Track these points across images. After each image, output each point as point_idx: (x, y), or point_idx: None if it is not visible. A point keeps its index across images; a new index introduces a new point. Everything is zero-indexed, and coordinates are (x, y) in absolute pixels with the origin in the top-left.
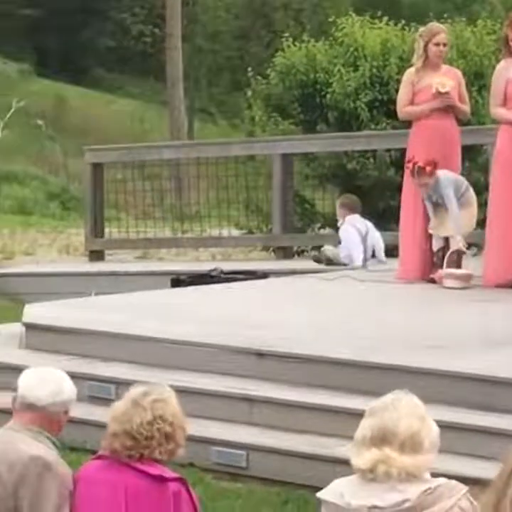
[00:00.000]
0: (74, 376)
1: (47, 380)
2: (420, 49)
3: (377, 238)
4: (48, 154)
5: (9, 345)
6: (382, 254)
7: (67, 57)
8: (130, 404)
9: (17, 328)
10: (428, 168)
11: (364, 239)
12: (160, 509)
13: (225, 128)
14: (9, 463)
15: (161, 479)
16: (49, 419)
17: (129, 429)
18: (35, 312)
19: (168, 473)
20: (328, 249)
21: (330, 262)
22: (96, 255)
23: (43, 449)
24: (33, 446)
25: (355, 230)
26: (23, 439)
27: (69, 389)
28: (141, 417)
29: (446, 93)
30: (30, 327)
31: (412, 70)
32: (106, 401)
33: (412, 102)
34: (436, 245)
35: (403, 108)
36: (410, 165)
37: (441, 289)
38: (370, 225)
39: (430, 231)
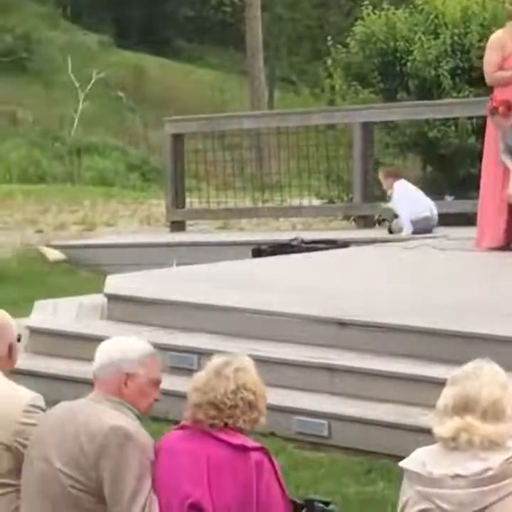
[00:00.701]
0: (155, 347)
1: (105, 347)
2: None
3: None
4: (128, 125)
5: (91, 317)
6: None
7: (147, 28)
8: (212, 374)
9: (99, 299)
10: (501, 108)
11: (419, 198)
12: (242, 479)
13: (305, 97)
14: (90, 434)
15: (243, 449)
16: (108, 386)
17: (213, 398)
18: (117, 283)
19: (250, 442)
20: (393, 224)
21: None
22: (177, 226)
23: (123, 420)
24: (113, 416)
25: (406, 192)
26: (104, 410)
27: (120, 352)
28: (224, 386)
29: None
30: (111, 298)
31: (499, 34)
32: (188, 371)
33: (501, 67)
34: None
35: (492, 73)
36: (489, 103)
37: None
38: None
39: (510, 199)
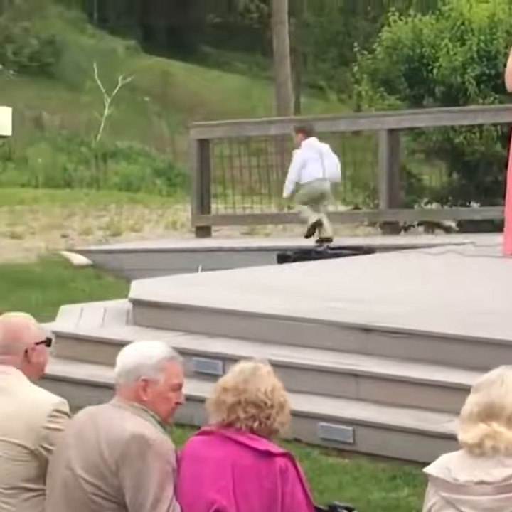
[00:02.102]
0: (180, 352)
1: (124, 353)
2: None
3: (332, 161)
4: (154, 130)
5: (116, 322)
6: (336, 175)
7: (174, 33)
8: (249, 374)
9: (124, 304)
10: None
11: (321, 158)
12: (267, 485)
13: (332, 103)
14: (111, 441)
15: (268, 454)
16: (128, 392)
17: (254, 397)
18: (142, 288)
19: (275, 448)
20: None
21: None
22: (202, 231)
23: (144, 427)
24: (134, 423)
25: (309, 149)
26: (125, 417)
27: (138, 358)
28: (264, 385)
29: None
30: (137, 303)
31: None
32: (213, 377)
33: None
34: None
35: None
36: None
37: None
38: (327, 147)
39: None
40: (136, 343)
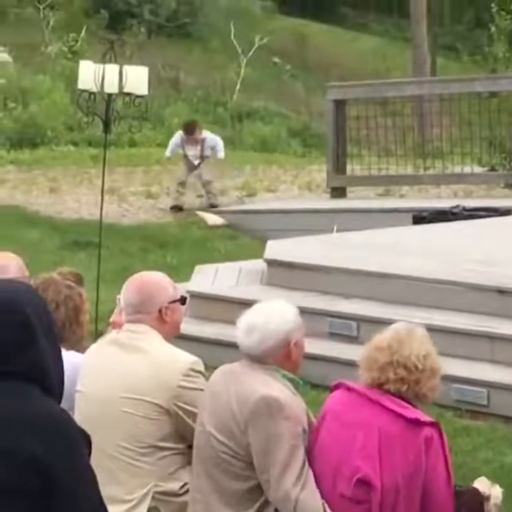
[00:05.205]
0: (314, 313)
1: (263, 319)
2: None
3: None
4: (289, 91)
5: (251, 282)
6: None
7: None
8: (404, 336)
9: (259, 264)
10: None
11: None
12: (412, 457)
13: (467, 65)
14: (241, 401)
15: (416, 423)
16: (273, 356)
17: (405, 359)
18: (277, 248)
19: (424, 416)
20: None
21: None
22: (338, 192)
23: (275, 388)
24: (266, 384)
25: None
26: (256, 377)
27: (278, 320)
28: (417, 348)
29: None
30: (271, 263)
31: None
32: (347, 338)
33: None
34: None
35: None
36: None
37: None
38: None
39: None
40: (263, 308)
